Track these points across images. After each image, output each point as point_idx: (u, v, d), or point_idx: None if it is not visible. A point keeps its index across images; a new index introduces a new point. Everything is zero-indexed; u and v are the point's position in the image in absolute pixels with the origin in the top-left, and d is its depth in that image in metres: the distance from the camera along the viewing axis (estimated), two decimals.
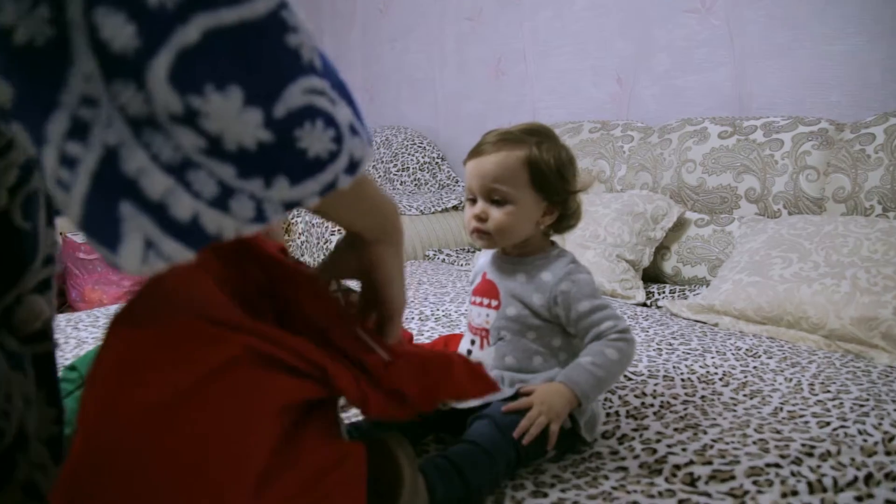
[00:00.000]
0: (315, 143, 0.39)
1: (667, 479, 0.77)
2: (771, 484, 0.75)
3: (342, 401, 0.61)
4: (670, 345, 1.27)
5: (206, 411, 0.45)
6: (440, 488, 0.68)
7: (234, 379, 0.47)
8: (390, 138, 3.05)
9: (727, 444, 0.85)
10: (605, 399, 0.98)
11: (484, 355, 0.91)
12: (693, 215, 1.87)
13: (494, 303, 0.91)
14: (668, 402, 0.99)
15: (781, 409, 0.97)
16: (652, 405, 0.98)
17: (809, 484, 0.75)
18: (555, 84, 2.55)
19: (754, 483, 0.75)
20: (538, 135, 0.89)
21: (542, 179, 0.87)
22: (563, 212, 0.91)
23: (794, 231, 1.50)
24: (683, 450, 0.83)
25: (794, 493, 0.74)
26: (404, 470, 0.64)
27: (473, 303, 0.94)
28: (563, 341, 0.89)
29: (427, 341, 1.22)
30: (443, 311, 1.52)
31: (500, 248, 0.93)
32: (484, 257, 0.97)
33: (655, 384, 1.06)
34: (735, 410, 0.96)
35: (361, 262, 0.58)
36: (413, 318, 1.46)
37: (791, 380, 1.09)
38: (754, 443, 0.85)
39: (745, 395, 1.02)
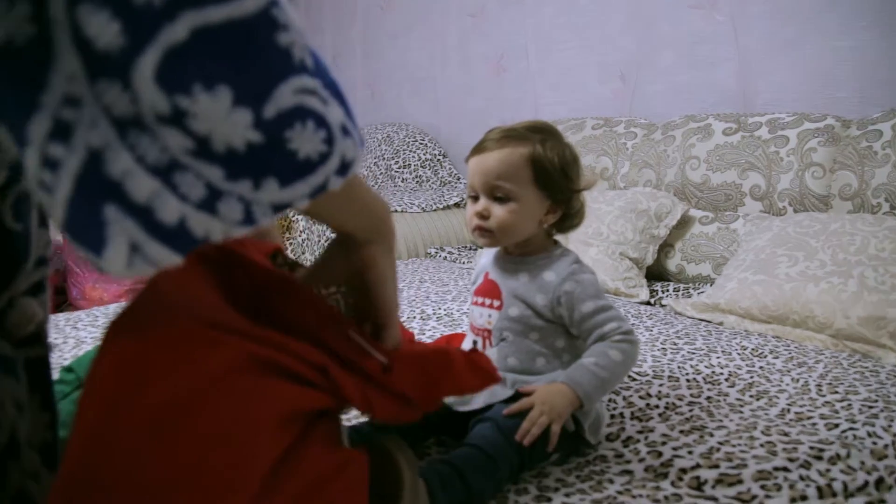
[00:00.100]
0: (306, 144, 0.38)
1: (673, 483, 0.75)
2: (779, 488, 0.74)
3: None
4: (675, 344, 1.26)
5: (208, 414, 0.45)
6: (441, 492, 0.68)
7: (236, 383, 0.47)
8: (392, 135, 3.04)
9: (734, 446, 0.83)
10: (610, 400, 0.97)
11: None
12: (697, 213, 1.86)
13: (497, 303, 0.90)
14: (673, 404, 0.97)
15: (789, 410, 0.96)
16: (657, 406, 0.96)
17: (819, 489, 0.74)
18: (557, 80, 2.53)
19: (762, 487, 0.74)
20: (542, 132, 0.88)
21: (545, 177, 0.86)
22: (567, 211, 0.90)
23: (801, 229, 1.49)
24: (689, 453, 0.81)
25: (804, 497, 0.73)
26: (404, 474, 0.63)
27: (475, 303, 0.93)
28: (567, 342, 0.88)
29: (429, 341, 1.21)
30: (445, 309, 1.51)
31: (501, 246, 0.92)
32: (486, 257, 0.96)
33: (660, 385, 1.04)
34: (741, 412, 0.95)
35: (353, 264, 0.57)
36: (415, 317, 1.44)
37: (798, 380, 1.07)
38: (762, 445, 0.83)
39: (751, 396, 1.01)
